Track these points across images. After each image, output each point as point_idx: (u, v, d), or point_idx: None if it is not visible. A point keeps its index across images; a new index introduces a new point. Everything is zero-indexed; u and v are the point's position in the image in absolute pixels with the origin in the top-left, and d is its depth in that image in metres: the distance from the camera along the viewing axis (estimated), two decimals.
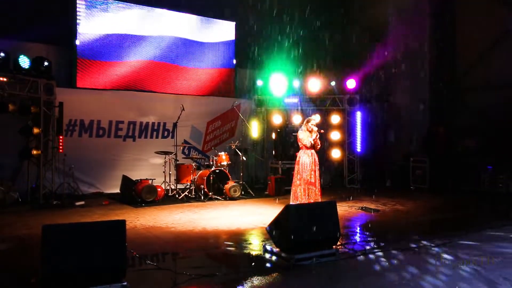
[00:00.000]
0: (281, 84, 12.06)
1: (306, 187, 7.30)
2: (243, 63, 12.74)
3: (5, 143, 9.10)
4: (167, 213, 7.80)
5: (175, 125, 9.97)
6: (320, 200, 7.17)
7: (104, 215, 7.50)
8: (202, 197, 9.31)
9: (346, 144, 12.31)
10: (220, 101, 12.07)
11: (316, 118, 7.58)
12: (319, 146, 7.49)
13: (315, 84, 12.14)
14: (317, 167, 7.43)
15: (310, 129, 7.43)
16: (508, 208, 8.28)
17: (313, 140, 7.34)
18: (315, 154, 7.47)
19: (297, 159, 7.51)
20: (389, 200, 9.36)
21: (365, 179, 12.26)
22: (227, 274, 4.32)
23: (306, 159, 7.36)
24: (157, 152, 9.85)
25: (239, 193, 9.46)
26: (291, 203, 7.21)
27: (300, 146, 7.50)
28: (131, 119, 10.72)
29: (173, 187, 9.74)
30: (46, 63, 9.04)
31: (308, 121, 7.50)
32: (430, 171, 11.22)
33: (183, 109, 9.91)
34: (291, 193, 7.56)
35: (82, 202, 8.53)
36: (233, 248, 5.28)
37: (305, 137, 7.38)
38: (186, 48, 11.77)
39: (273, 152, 11.82)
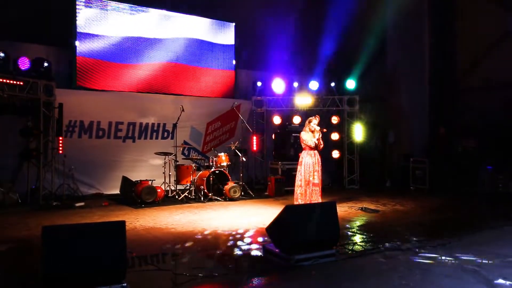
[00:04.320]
0: (280, 85, 12.09)
1: (309, 188, 7.25)
2: (243, 64, 12.74)
3: (5, 144, 9.11)
4: (167, 214, 7.80)
5: (175, 126, 9.96)
6: (321, 201, 7.15)
7: (104, 216, 7.50)
8: (202, 198, 9.30)
9: (346, 144, 12.31)
10: (220, 102, 12.07)
11: (316, 119, 7.55)
12: (322, 146, 7.44)
13: (315, 85, 12.19)
14: (320, 168, 7.40)
15: (312, 129, 7.39)
16: (508, 209, 8.27)
17: (317, 140, 7.32)
18: (318, 154, 7.43)
19: (300, 159, 7.45)
20: (389, 200, 9.36)
21: (365, 180, 12.25)
22: (227, 274, 4.32)
23: (309, 160, 7.30)
24: (157, 153, 9.85)
25: (239, 194, 9.46)
26: (294, 203, 7.18)
27: (303, 147, 7.45)
28: (130, 120, 10.71)
29: (173, 188, 9.74)
30: (45, 64, 9.05)
31: (310, 122, 7.47)
32: (430, 172, 11.21)
33: (183, 110, 9.90)
34: (294, 194, 7.51)
35: (82, 203, 8.53)
36: (233, 249, 5.29)
37: (309, 137, 7.33)
38: (186, 48, 11.78)
39: (273, 152, 11.83)
